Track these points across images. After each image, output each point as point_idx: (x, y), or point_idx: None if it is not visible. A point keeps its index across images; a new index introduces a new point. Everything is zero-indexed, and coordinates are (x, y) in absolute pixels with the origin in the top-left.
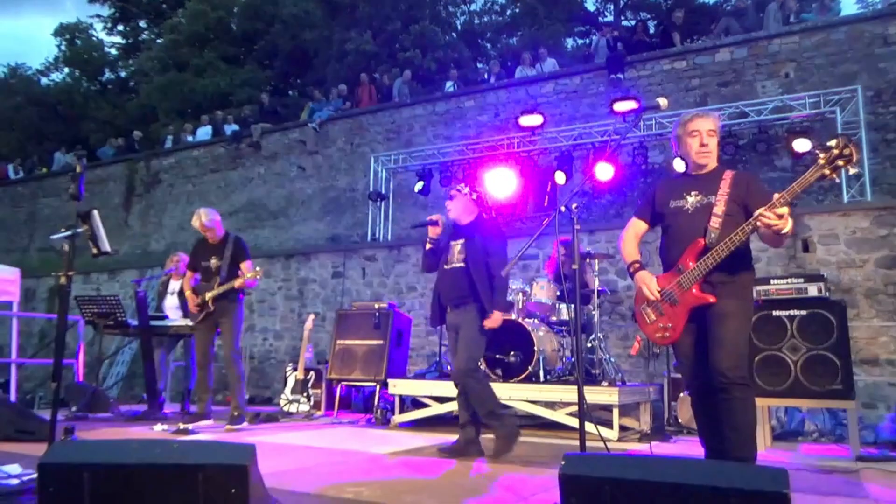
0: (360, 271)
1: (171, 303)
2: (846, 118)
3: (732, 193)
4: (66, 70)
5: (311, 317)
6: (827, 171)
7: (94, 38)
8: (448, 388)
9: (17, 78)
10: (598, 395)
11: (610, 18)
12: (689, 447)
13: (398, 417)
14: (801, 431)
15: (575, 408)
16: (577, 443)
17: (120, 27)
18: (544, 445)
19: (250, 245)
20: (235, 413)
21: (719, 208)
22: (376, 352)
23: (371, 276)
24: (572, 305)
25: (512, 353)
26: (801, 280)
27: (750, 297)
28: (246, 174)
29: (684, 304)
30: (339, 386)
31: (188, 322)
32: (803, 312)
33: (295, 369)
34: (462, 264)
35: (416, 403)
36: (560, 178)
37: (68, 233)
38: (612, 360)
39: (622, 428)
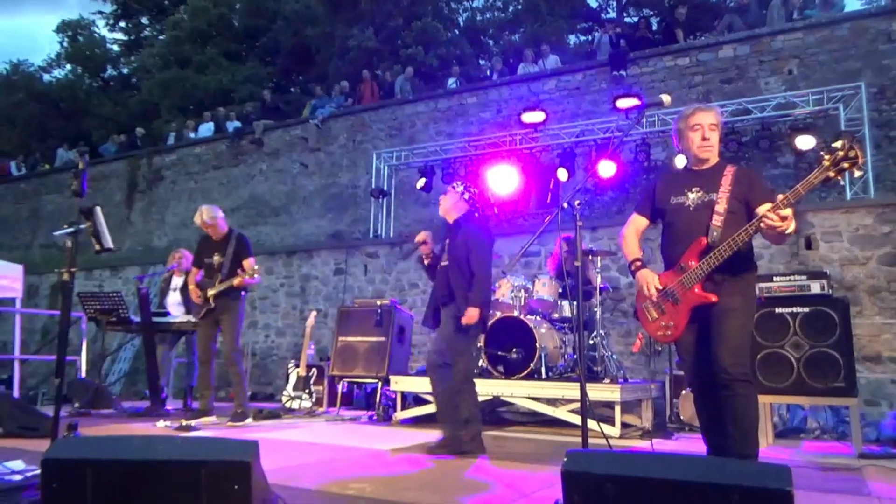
0: (362, 268)
1: (173, 299)
2: (849, 115)
3: (734, 190)
4: (69, 67)
5: (313, 313)
6: (832, 174)
7: (96, 35)
8: None
9: (20, 74)
10: (600, 391)
11: (613, 15)
12: (691, 444)
13: (400, 414)
14: (804, 429)
15: (577, 405)
16: (578, 440)
17: (122, 24)
18: (546, 442)
19: (252, 242)
20: (239, 410)
21: (721, 206)
22: (378, 348)
23: (373, 272)
24: (574, 302)
25: (514, 349)
26: (804, 277)
27: (753, 294)
28: (248, 171)
29: (686, 302)
30: (341, 382)
31: (190, 319)
32: (806, 310)
33: (297, 366)
34: (447, 262)
35: (418, 400)
36: (562, 174)
37: (71, 229)
38: (614, 356)
39: (624, 425)
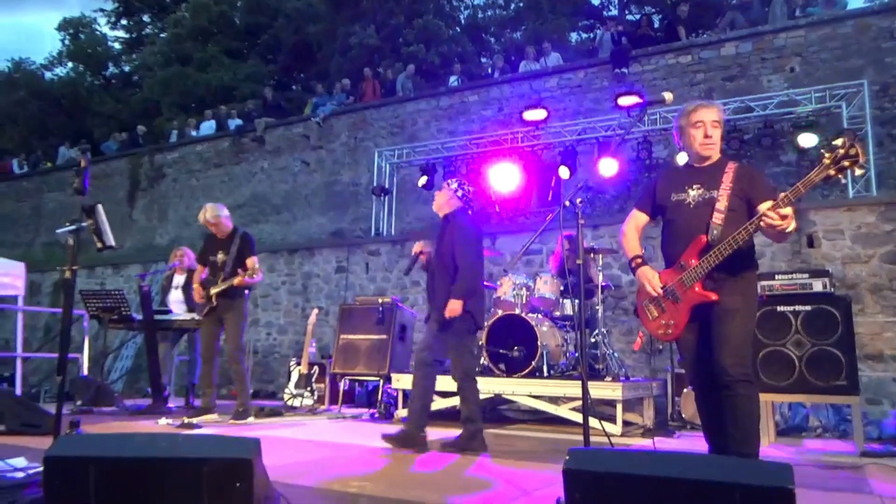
0: (363, 266)
1: (174, 297)
2: (852, 113)
3: (735, 188)
4: (70, 64)
5: (315, 311)
6: (832, 172)
7: (97, 33)
8: (450, 384)
9: (21, 72)
10: (602, 390)
11: (614, 12)
12: (693, 443)
13: (401, 412)
14: (806, 427)
15: (578, 403)
16: (580, 438)
17: (123, 21)
18: (548, 440)
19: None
20: (241, 408)
21: (722, 203)
22: (380, 346)
23: (374, 270)
24: (576, 300)
25: (515, 348)
26: (806, 275)
27: (754, 293)
28: (249, 169)
29: (687, 301)
30: (343, 380)
31: (192, 316)
32: (808, 308)
33: (298, 364)
34: (436, 259)
35: None
36: (564, 172)
37: (73, 227)
38: (616, 355)
39: (625, 423)
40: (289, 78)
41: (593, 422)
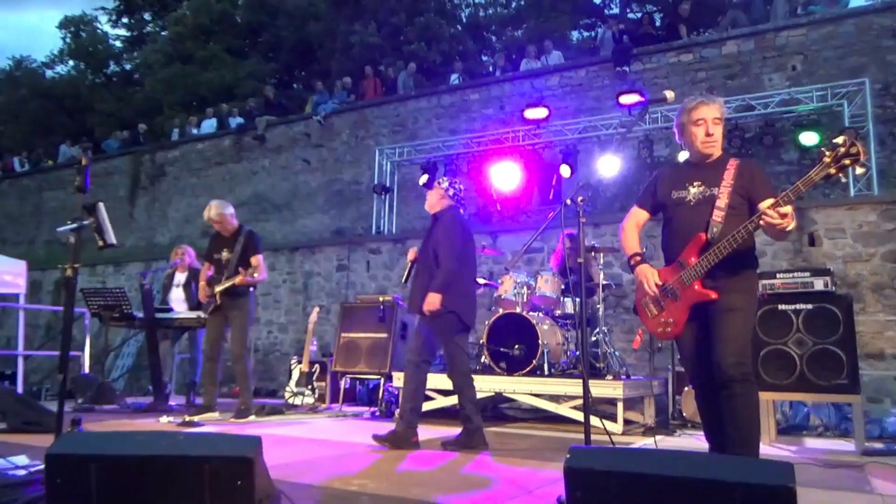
0: (364, 264)
1: (176, 295)
2: (853, 111)
3: (736, 185)
4: (71, 63)
5: (316, 310)
6: (832, 171)
7: (98, 31)
8: (449, 382)
9: (23, 71)
10: (603, 388)
11: (616, 11)
12: (694, 441)
13: None
14: (807, 426)
15: (579, 401)
16: (581, 436)
17: (124, 20)
18: (548, 439)
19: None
20: (243, 408)
21: (722, 201)
22: (381, 345)
23: (375, 269)
24: (577, 299)
25: (516, 346)
26: (807, 274)
27: (754, 291)
28: (250, 167)
29: (686, 299)
30: (344, 379)
31: (193, 315)
32: (809, 306)
33: (299, 362)
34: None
35: None
36: (565, 171)
37: (74, 225)
38: (617, 353)
39: (626, 422)
40: (290, 76)
41: (594, 420)
